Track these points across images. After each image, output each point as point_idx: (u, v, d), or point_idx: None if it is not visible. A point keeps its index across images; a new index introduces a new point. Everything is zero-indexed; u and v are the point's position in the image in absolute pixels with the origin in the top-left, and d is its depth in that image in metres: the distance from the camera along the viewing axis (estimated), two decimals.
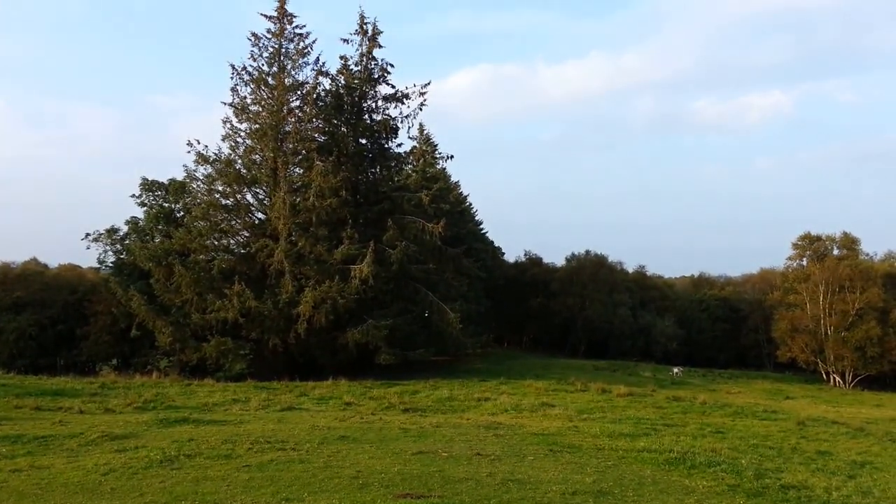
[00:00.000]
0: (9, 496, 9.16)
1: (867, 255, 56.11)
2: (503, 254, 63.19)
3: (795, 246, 57.05)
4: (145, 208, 43.56)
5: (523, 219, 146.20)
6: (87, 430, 14.94)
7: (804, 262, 56.33)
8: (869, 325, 47.84)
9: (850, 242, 54.83)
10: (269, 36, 37.93)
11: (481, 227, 58.72)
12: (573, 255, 62.82)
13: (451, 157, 45.80)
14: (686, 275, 77.60)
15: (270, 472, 10.64)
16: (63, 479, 10.14)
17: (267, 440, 13.66)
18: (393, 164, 41.74)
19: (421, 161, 47.11)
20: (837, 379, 49.73)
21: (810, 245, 55.99)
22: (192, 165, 38.62)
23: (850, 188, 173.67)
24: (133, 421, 17.09)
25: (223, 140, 38.63)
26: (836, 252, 55.07)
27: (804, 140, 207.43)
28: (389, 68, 39.43)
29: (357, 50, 39.44)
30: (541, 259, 63.90)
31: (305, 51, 38.01)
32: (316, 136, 38.25)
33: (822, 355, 50.40)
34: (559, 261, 63.98)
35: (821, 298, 51.00)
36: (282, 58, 38.06)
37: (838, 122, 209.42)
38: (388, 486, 9.70)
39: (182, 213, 41.96)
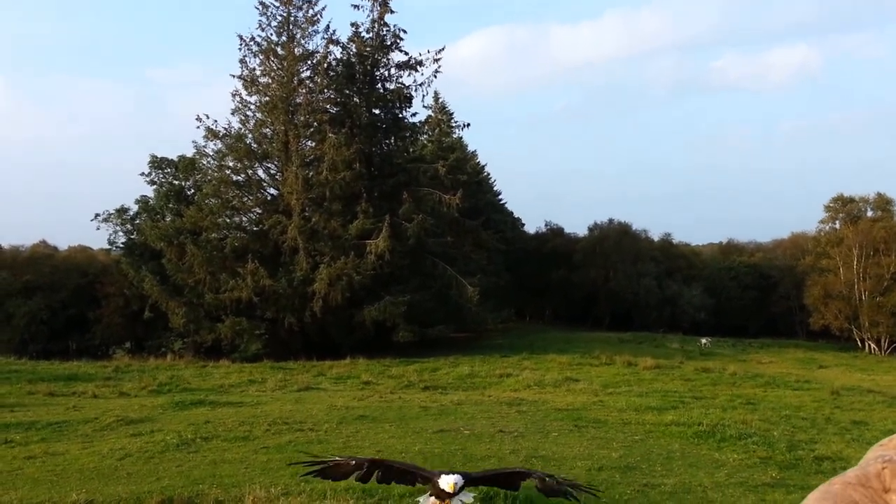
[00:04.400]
0: (24, 483, 9.07)
1: None
2: (523, 225, 62.18)
3: (828, 208, 55.28)
4: (155, 186, 42.99)
5: (543, 188, 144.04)
6: (102, 415, 14.85)
7: (837, 226, 54.59)
8: None
9: (884, 203, 52.86)
10: (278, 4, 36.93)
11: (500, 197, 57.72)
12: (596, 224, 61.48)
13: (468, 125, 44.60)
14: (714, 242, 75.69)
15: (288, 453, 10.52)
16: (78, 464, 10.13)
17: (284, 421, 13.66)
18: (408, 135, 40.67)
19: (436, 130, 46.14)
20: (873, 346, 48.38)
21: (843, 207, 54.15)
22: (201, 141, 38.03)
23: (883, 146, 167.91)
24: (148, 404, 17.02)
25: (233, 114, 37.99)
26: (869, 214, 53.30)
27: (832, 98, 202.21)
28: (402, 34, 38.22)
29: (368, 16, 38.24)
30: (562, 229, 62.63)
31: (315, 19, 37.02)
32: (328, 107, 37.29)
33: (857, 322, 48.98)
34: (581, 230, 62.75)
35: (854, 262, 49.44)
36: (291, 27, 37.03)
37: (867, 79, 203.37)
38: None
39: (193, 191, 41.40)
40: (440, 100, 49.64)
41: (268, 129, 37.84)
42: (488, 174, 56.43)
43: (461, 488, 3.47)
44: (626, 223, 60.79)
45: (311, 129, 36.94)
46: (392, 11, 37.90)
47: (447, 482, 3.45)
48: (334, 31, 37.81)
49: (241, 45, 37.00)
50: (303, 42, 37.11)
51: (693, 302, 57.23)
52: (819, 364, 37.12)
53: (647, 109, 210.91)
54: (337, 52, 38.06)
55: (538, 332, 47.76)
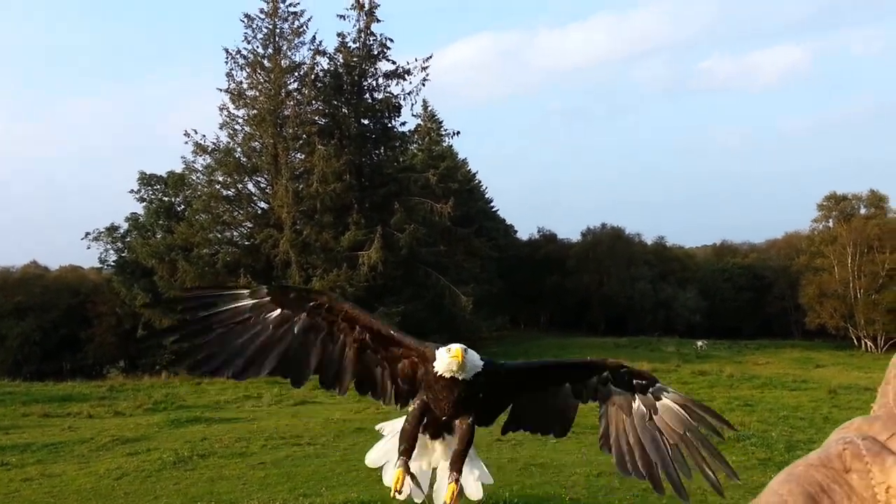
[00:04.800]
0: None
1: None
2: (515, 231, 62.28)
3: (821, 207, 55.31)
4: (145, 204, 42.53)
5: (535, 194, 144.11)
6: (98, 435, 14.84)
7: (830, 224, 54.61)
8: None
9: (877, 200, 52.88)
10: (263, 16, 37.11)
11: (492, 204, 57.67)
12: (588, 229, 61.70)
13: (458, 133, 44.61)
14: (707, 244, 75.93)
15: (286, 468, 10.68)
16: (76, 485, 10.00)
17: (281, 436, 13.76)
18: (397, 144, 40.58)
19: (426, 139, 46.03)
20: (869, 343, 48.50)
21: (836, 205, 54.12)
22: (190, 156, 37.89)
23: (875, 142, 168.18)
24: (144, 423, 16.98)
25: (221, 128, 38.06)
26: (863, 211, 53.36)
27: (825, 94, 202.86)
28: (389, 43, 38.25)
29: (354, 26, 38.36)
30: (555, 235, 62.81)
31: (301, 30, 37.15)
32: (316, 118, 37.30)
33: (853, 320, 49.09)
34: (574, 236, 62.77)
35: (849, 261, 49.54)
36: (277, 39, 37.09)
37: (860, 75, 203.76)
38: None
39: (183, 207, 41.01)
40: (429, 108, 49.53)
41: (256, 143, 37.72)
42: (479, 181, 56.39)
43: (475, 370, 2.27)
44: (619, 227, 61.16)
45: (300, 142, 36.86)
46: (378, 20, 38.01)
47: (445, 351, 2.25)
48: (321, 42, 37.94)
49: (227, 58, 37.06)
50: (289, 54, 37.28)
51: (687, 304, 57.21)
52: (816, 363, 37.20)
53: (636, 113, 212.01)
54: (324, 62, 38.19)
55: (533, 340, 47.68)
